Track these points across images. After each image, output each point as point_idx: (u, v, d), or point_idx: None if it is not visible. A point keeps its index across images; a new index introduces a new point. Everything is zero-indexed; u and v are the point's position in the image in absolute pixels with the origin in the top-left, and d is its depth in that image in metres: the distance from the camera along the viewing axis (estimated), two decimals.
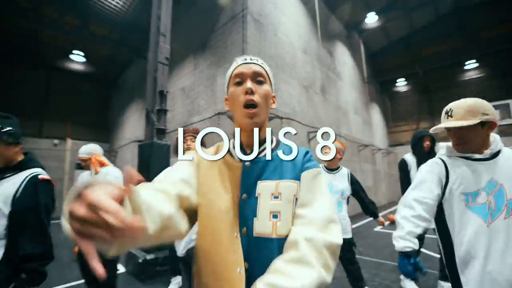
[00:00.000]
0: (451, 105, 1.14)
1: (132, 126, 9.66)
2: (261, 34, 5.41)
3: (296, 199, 0.69)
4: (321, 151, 0.75)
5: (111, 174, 2.08)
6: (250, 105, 0.71)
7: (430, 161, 1.22)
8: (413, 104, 12.80)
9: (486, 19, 10.01)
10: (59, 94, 10.47)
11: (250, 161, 0.72)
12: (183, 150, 1.29)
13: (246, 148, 0.76)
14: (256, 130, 0.72)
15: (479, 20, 10.15)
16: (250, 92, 0.71)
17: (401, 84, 13.23)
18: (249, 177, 0.71)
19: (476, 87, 10.80)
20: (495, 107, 9.18)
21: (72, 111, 10.77)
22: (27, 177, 1.18)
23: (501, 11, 9.72)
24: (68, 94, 10.75)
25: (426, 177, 1.16)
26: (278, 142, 0.80)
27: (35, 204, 1.15)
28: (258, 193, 0.69)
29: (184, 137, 1.90)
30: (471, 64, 10.91)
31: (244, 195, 0.70)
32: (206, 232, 0.69)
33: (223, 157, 0.74)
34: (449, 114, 1.13)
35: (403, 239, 1.11)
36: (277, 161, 0.73)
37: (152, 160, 3.52)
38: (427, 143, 2.63)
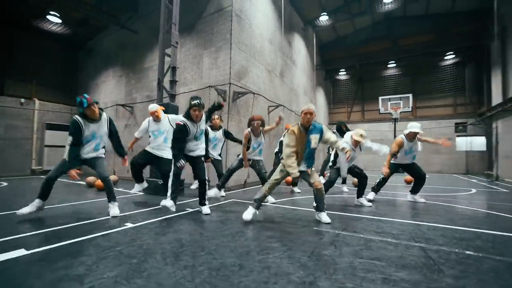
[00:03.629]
0: None
1: (109, 90, 10.29)
2: (240, 26, 6.99)
3: (319, 138, 3.09)
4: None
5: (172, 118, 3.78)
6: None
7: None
8: (350, 91, 15.95)
9: (404, 30, 13.18)
10: (23, 53, 10.27)
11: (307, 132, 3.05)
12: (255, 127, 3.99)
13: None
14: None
15: (400, 30, 13.27)
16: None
17: (342, 74, 16.18)
18: (307, 136, 3.00)
19: (393, 82, 14.25)
20: (401, 98, 12.58)
21: (38, 71, 10.69)
22: None
23: (416, 25, 12.95)
24: (33, 53, 10.56)
25: None
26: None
27: None
28: (310, 139, 3.02)
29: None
30: (391, 64, 14.24)
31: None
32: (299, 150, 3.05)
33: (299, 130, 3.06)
34: None
35: None
36: (313, 129, 3.05)
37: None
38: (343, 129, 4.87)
